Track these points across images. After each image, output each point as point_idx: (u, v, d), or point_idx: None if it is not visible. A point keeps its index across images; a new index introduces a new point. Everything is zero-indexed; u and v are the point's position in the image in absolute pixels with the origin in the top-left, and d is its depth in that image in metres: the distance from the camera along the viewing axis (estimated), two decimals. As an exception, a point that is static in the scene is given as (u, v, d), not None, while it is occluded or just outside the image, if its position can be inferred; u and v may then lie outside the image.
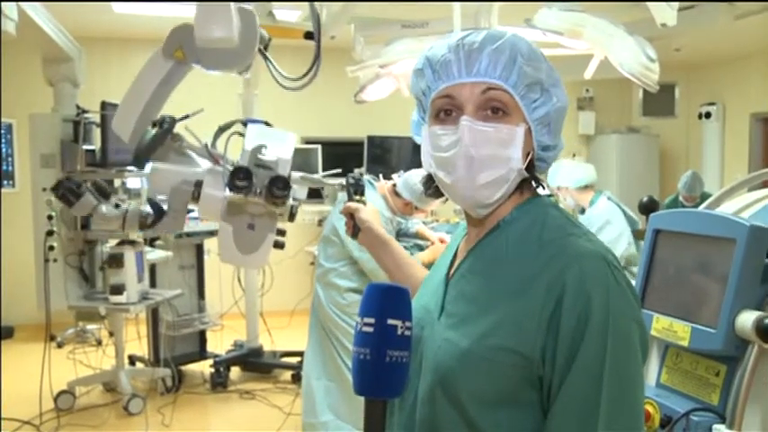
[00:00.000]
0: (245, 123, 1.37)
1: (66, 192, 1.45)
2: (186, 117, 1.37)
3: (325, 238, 3.07)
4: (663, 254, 1.64)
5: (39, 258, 4.12)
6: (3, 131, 6.11)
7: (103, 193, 1.49)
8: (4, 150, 6.19)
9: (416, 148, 1.09)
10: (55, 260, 4.13)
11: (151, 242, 4.77)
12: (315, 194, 6.24)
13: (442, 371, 0.98)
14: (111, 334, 4.70)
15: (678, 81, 7.96)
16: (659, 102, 7.81)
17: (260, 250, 1.35)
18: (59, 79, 4.40)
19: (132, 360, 5.02)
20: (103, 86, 5.45)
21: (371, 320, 0.94)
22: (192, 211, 1.47)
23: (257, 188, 1.27)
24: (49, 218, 4.12)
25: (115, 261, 4.11)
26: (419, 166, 1.15)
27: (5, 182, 6.19)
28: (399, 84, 4.06)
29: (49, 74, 4.41)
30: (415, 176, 3.04)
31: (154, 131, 1.32)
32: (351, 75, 4.24)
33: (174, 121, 1.34)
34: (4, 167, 6.19)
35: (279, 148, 1.31)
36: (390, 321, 0.94)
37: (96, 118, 4.22)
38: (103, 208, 1.46)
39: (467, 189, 1.00)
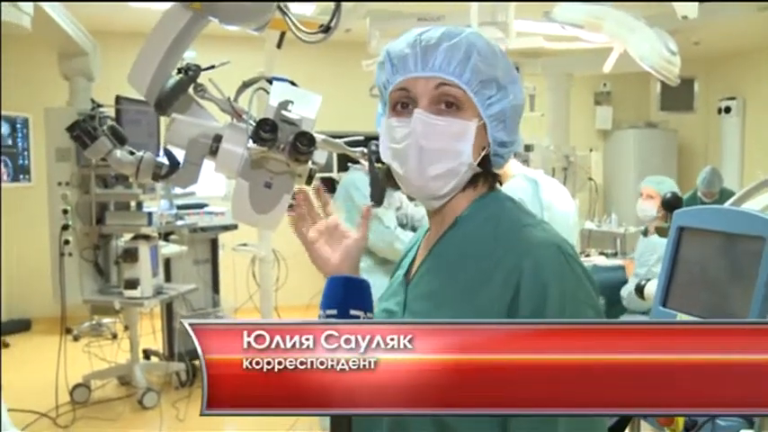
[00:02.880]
0: (270, 81, 1.34)
1: (82, 133, 1.39)
2: (212, 67, 1.33)
3: None
4: (687, 252, 1.60)
5: (54, 252, 4.13)
6: (18, 126, 6.14)
7: (120, 138, 1.44)
8: (20, 145, 6.22)
9: None
10: (70, 254, 4.14)
11: (166, 237, 4.77)
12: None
13: None
14: (126, 328, 4.71)
15: (697, 75, 7.85)
16: (677, 96, 7.70)
17: (274, 211, 1.31)
18: (74, 74, 4.41)
19: (147, 354, 5.03)
20: (118, 81, 5.41)
21: (334, 312, 0.92)
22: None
23: (281, 143, 1.23)
24: (65, 212, 4.13)
25: (130, 255, 4.12)
26: None
27: (21, 176, 6.22)
28: (415, 78, 4.02)
29: (64, 68, 4.42)
30: None
31: (178, 77, 1.29)
32: (366, 68, 4.22)
33: (199, 69, 1.30)
34: (20, 162, 6.22)
35: (304, 107, 1.28)
36: (353, 312, 0.93)
37: (111, 112, 4.22)
38: (118, 153, 1.40)
39: (418, 180, 1.03)
